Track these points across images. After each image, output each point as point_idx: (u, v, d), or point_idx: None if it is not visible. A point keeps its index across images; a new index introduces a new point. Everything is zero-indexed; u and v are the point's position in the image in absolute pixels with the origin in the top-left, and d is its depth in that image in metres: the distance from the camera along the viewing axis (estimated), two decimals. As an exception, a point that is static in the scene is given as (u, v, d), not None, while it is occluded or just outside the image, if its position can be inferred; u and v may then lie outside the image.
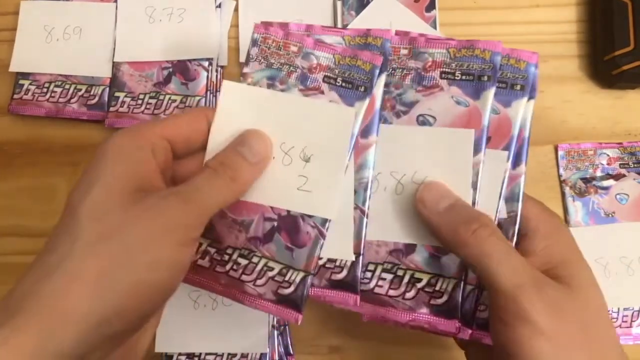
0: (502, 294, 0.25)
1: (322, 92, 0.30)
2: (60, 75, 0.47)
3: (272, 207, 0.29)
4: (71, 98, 0.47)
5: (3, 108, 0.47)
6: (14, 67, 0.47)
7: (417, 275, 0.29)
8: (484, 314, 0.29)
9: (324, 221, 0.29)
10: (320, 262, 0.29)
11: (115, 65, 0.47)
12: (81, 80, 0.47)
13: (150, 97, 0.46)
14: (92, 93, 0.47)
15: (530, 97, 0.29)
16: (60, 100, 0.47)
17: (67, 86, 0.47)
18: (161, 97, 0.46)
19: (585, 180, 0.44)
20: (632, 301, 0.42)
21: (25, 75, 0.47)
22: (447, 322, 0.29)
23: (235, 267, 0.30)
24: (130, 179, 0.25)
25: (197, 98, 0.46)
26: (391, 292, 0.29)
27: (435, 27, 0.46)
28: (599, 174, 0.44)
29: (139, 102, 0.46)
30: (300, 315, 0.28)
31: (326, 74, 0.30)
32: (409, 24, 0.46)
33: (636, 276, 0.42)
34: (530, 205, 0.29)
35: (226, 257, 0.30)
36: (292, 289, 0.29)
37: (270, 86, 0.30)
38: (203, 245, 0.30)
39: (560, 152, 0.45)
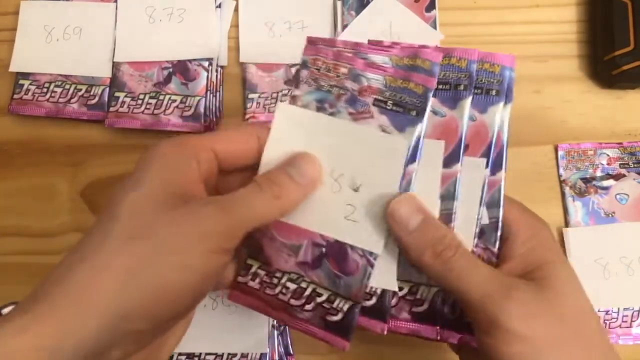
0: (473, 307, 0.25)
1: (372, 116, 0.29)
2: (60, 75, 0.47)
3: (320, 234, 0.29)
4: (71, 98, 0.47)
5: (3, 108, 0.47)
6: (14, 67, 0.47)
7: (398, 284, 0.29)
8: (419, 308, 0.29)
9: (372, 251, 0.28)
10: None
11: (115, 65, 0.47)
12: (81, 80, 0.47)
13: (150, 97, 0.46)
14: (92, 93, 0.47)
15: (507, 102, 0.29)
16: (60, 100, 0.47)
17: (67, 86, 0.47)
18: (161, 97, 0.46)
19: (585, 180, 0.44)
20: (632, 301, 0.42)
21: (25, 75, 0.47)
22: (429, 328, 0.29)
23: (284, 290, 0.29)
24: (172, 186, 0.25)
25: (197, 98, 0.46)
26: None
27: (435, 27, 0.46)
28: (599, 174, 0.44)
29: (139, 102, 0.46)
30: (347, 343, 0.28)
31: (376, 97, 0.29)
32: (408, 24, 0.46)
33: (636, 276, 0.42)
34: (511, 209, 0.29)
35: (275, 281, 0.30)
36: (339, 316, 0.28)
37: (320, 109, 0.30)
38: (254, 267, 0.30)
39: (560, 152, 0.45)
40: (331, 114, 0.29)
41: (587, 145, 0.45)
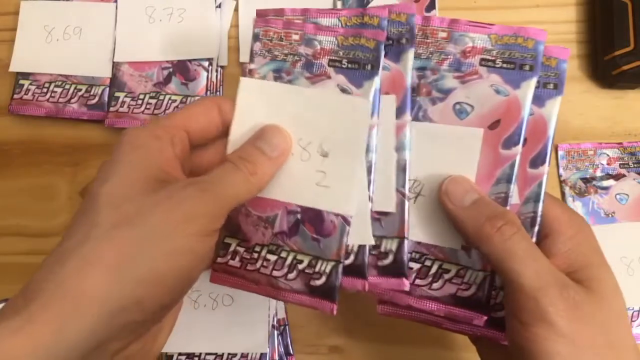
0: (524, 294, 0.24)
1: (329, 77, 0.29)
2: (60, 75, 0.47)
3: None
4: (71, 98, 0.47)
5: (3, 108, 0.47)
6: (14, 67, 0.47)
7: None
8: (498, 314, 0.29)
9: (346, 214, 0.28)
10: None
11: (115, 65, 0.47)
12: (81, 80, 0.47)
13: (150, 97, 0.46)
14: (92, 93, 0.47)
15: (558, 94, 0.29)
16: (60, 100, 0.47)
17: (67, 86, 0.47)
18: (161, 97, 0.46)
19: (585, 180, 0.44)
20: (632, 301, 0.42)
21: (25, 75, 0.47)
22: (394, 280, 0.29)
23: (265, 263, 0.30)
24: (149, 169, 0.25)
25: (197, 98, 0.46)
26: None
27: (435, 27, 0.46)
28: (599, 174, 0.44)
29: (139, 102, 0.46)
30: (334, 305, 0.28)
31: (331, 57, 0.29)
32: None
33: (636, 276, 0.42)
34: (553, 206, 0.28)
35: (255, 255, 0.30)
36: (323, 279, 0.29)
37: (277, 78, 0.30)
38: (232, 245, 0.30)
39: (560, 152, 0.45)
40: (288, 82, 0.30)
41: (587, 145, 0.45)
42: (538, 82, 0.28)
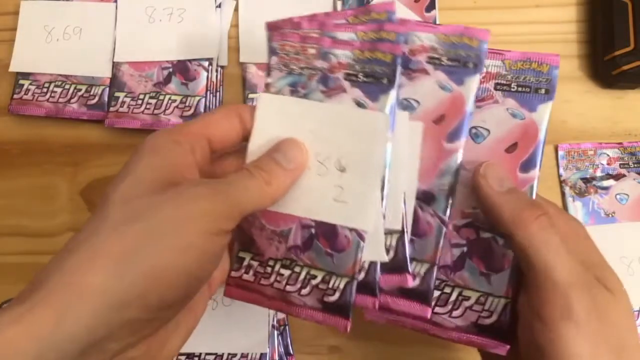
0: (554, 288, 0.24)
1: (345, 91, 0.29)
2: (60, 75, 0.47)
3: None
4: (71, 98, 0.47)
5: (3, 108, 0.47)
6: (14, 67, 0.47)
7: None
8: (487, 320, 0.29)
9: (363, 229, 0.28)
10: None
11: (115, 65, 0.47)
12: (81, 80, 0.47)
13: (150, 97, 0.46)
14: (92, 93, 0.47)
15: (549, 99, 0.29)
16: (60, 100, 0.47)
17: (67, 86, 0.47)
18: (161, 97, 0.46)
19: (585, 180, 0.44)
20: (632, 301, 0.42)
21: (25, 75, 0.47)
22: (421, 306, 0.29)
23: (278, 278, 0.29)
24: (164, 171, 0.25)
25: (197, 98, 0.46)
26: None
27: (435, 27, 0.46)
28: (599, 174, 0.44)
29: (139, 102, 0.46)
30: (348, 322, 0.28)
31: (347, 71, 0.29)
32: (409, 24, 0.46)
33: (636, 276, 0.42)
34: (549, 208, 0.28)
35: (269, 270, 0.30)
36: (337, 295, 0.28)
37: (293, 92, 0.30)
38: (246, 259, 0.30)
39: (560, 152, 0.45)
40: (304, 95, 0.30)
41: (587, 145, 0.45)
42: (529, 87, 0.29)
